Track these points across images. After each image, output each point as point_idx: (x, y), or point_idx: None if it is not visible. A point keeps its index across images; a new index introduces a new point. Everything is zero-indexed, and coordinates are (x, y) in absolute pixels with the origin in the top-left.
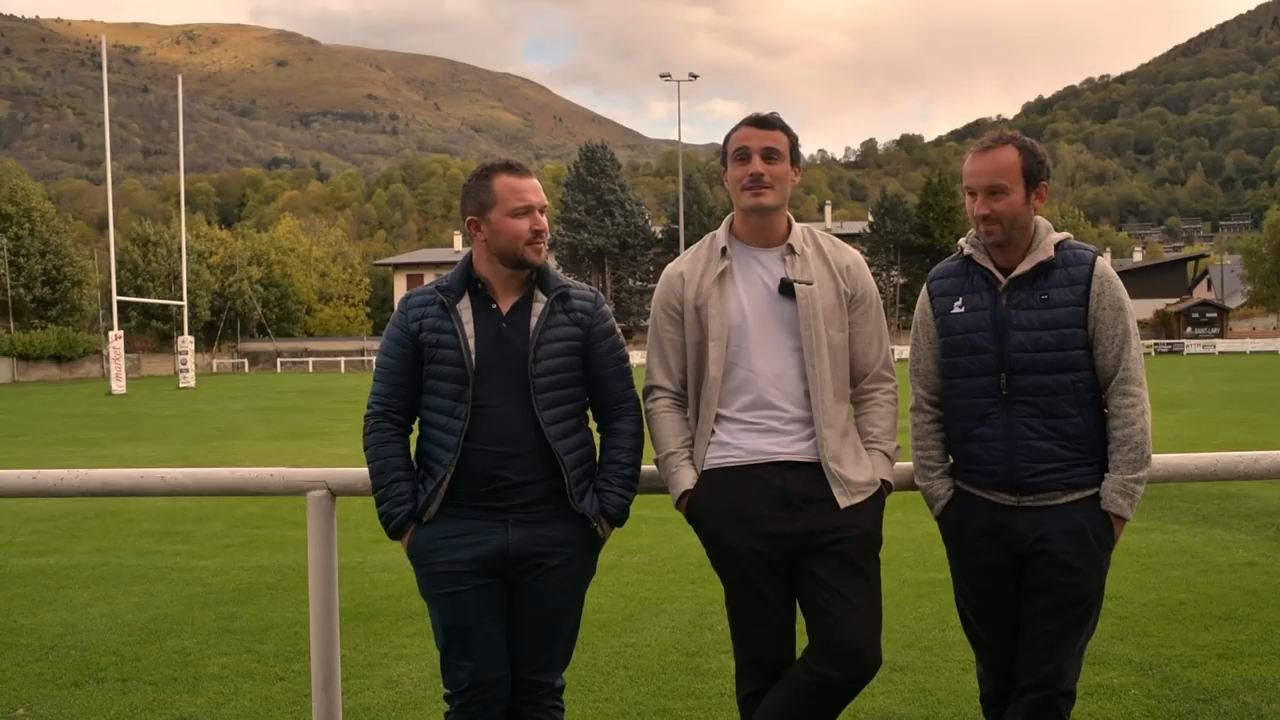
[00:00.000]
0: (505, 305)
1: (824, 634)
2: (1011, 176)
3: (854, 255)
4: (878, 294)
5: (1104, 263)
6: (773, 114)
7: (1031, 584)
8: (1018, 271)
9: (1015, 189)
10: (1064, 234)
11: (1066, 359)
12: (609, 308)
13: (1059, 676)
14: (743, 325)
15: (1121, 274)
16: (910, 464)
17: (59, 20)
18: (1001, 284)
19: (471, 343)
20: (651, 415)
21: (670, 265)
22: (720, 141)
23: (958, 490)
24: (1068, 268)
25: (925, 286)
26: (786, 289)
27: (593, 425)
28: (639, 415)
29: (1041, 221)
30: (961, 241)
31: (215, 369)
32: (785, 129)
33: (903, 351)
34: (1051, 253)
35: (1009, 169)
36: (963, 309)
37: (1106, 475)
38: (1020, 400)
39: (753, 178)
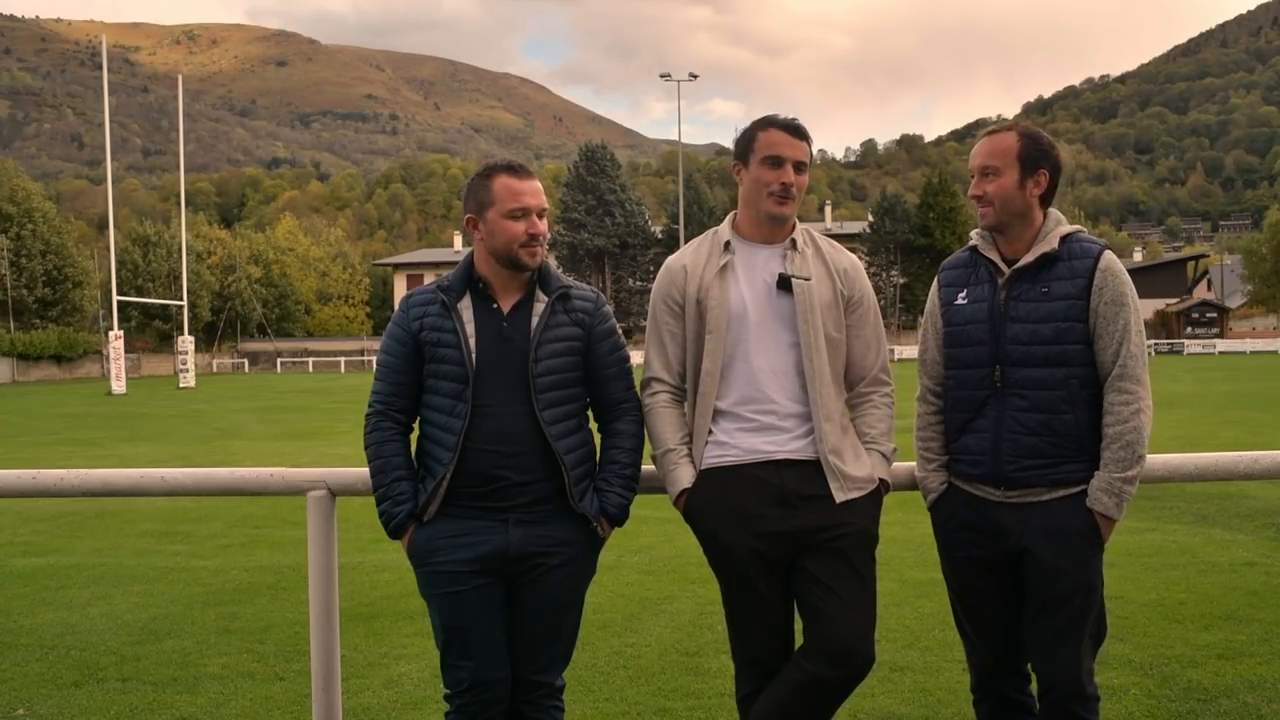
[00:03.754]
0: (506, 305)
1: (817, 632)
2: (1005, 159)
3: (851, 259)
4: (875, 299)
5: (1111, 257)
6: (800, 122)
7: (1026, 589)
8: (1021, 263)
9: (1008, 172)
10: (1075, 226)
11: (1062, 353)
12: (610, 308)
13: (1068, 677)
14: (743, 319)
15: None
16: (909, 464)
17: (59, 20)
18: (1004, 275)
19: (472, 342)
20: (650, 409)
21: (672, 257)
22: (720, 141)
23: (949, 484)
24: (1072, 260)
25: (936, 277)
26: (784, 284)
27: (593, 425)
28: (639, 416)
29: (1053, 213)
30: (973, 233)
31: (215, 369)
32: (810, 140)
33: (905, 352)
34: (1055, 245)
35: (1003, 151)
36: (965, 300)
37: (1095, 473)
38: (1013, 393)
39: (783, 187)
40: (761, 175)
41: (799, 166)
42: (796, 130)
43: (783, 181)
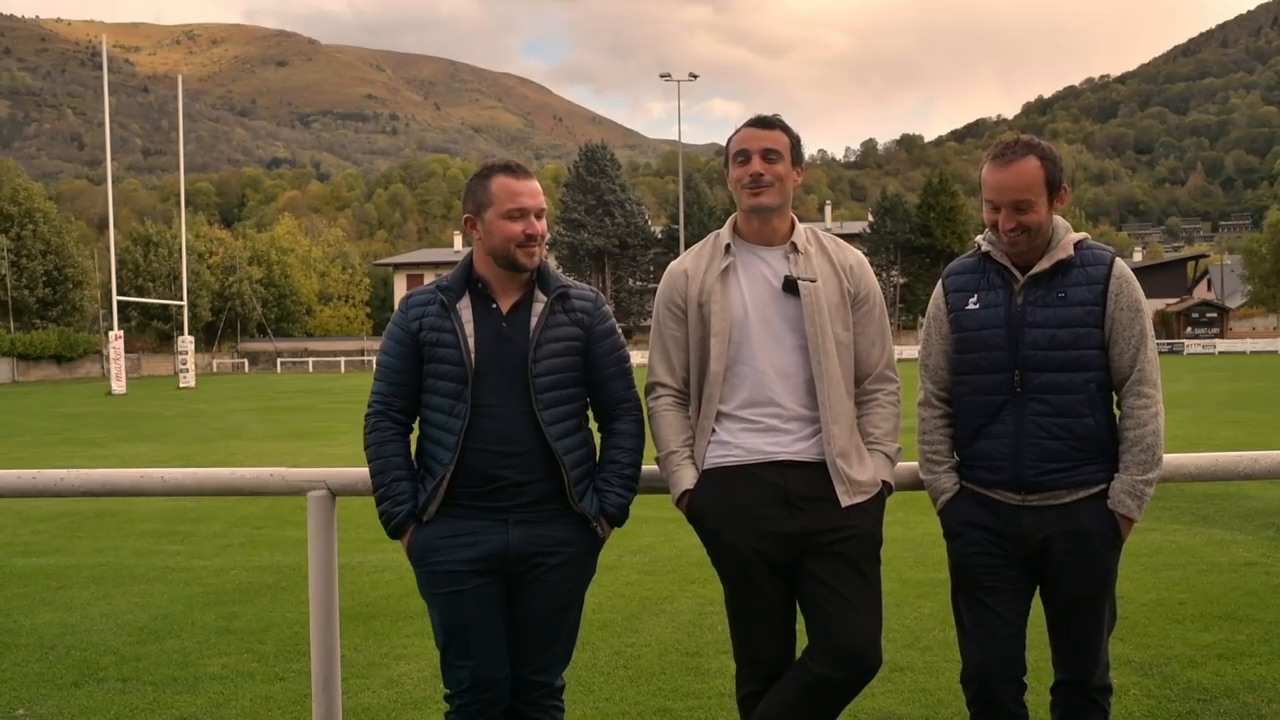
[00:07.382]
0: (505, 305)
1: (823, 634)
2: (1037, 189)
3: (857, 255)
4: (881, 295)
5: (1122, 264)
6: (774, 115)
7: (1046, 590)
8: (1036, 269)
9: (1041, 200)
10: (1082, 234)
11: (1081, 358)
12: (609, 308)
13: (1091, 673)
14: (745, 322)
15: None
16: (912, 464)
17: (59, 20)
18: (1019, 281)
19: (471, 342)
20: (653, 413)
21: (674, 262)
22: (720, 141)
23: (962, 486)
24: (1086, 267)
25: (940, 282)
26: (790, 286)
27: (593, 425)
28: (639, 415)
29: (1060, 220)
30: (979, 238)
31: (215, 369)
32: (786, 129)
33: (905, 351)
34: (1071, 251)
35: (1034, 183)
36: (978, 305)
37: (1116, 475)
38: (1033, 398)
39: (752, 178)
40: (734, 174)
41: (768, 154)
42: (762, 122)
43: (750, 173)
